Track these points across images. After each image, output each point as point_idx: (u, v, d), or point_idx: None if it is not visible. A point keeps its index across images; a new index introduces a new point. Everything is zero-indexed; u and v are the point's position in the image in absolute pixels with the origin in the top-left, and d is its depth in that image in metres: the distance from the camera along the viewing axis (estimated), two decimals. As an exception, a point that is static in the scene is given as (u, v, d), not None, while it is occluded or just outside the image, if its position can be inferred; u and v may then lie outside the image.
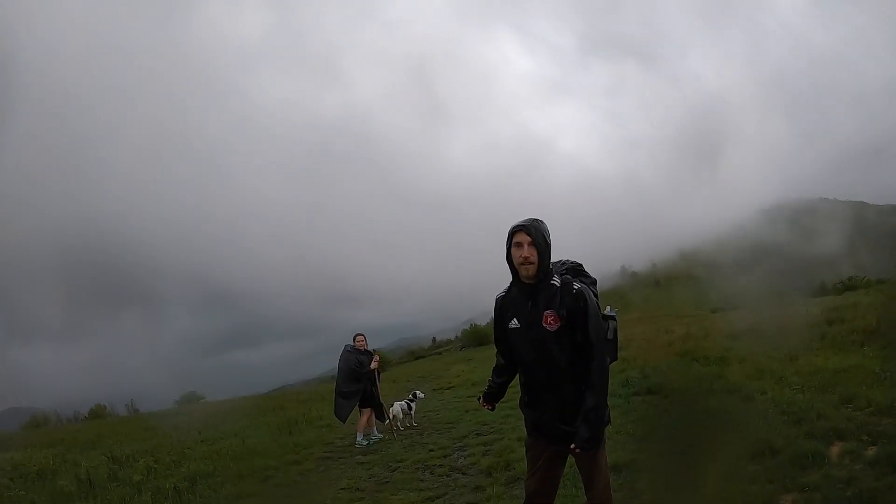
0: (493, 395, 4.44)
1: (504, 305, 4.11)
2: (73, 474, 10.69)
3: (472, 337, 46.00)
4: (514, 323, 3.97)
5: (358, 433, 10.98)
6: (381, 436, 11.16)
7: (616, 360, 4.10)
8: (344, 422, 11.15)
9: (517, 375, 4.29)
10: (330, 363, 11.73)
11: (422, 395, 12.63)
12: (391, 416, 11.34)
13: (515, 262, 3.87)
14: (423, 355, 53.09)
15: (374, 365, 11.19)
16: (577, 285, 3.88)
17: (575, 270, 4.12)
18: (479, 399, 4.57)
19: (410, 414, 11.97)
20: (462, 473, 7.62)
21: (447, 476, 7.65)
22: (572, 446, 3.76)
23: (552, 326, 3.81)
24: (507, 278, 4.02)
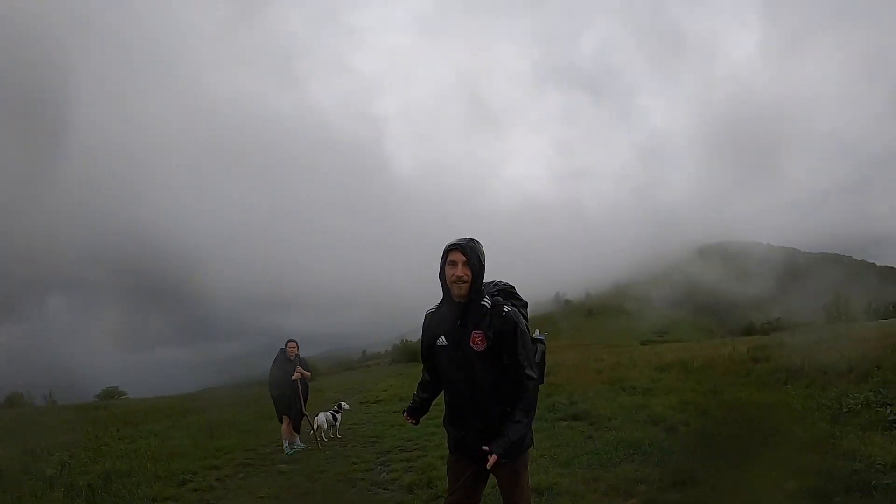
0: (417, 410, 4.41)
1: (433, 322, 4.08)
2: (-19, 465, 10.37)
3: (404, 352, 46.20)
4: (442, 340, 3.95)
5: (284, 441, 10.88)
6: (304, 445, 11.04)
7: (542, 382, 4.08)
8: (281, 423, 11.06)
9: (442, 392, 4.29)
10: (261, 367, 11.58)
11: (347, 407, 12.59)
12: (315, 427, 11.22)
13: (448, 280, 3.86)
14: (353, 367, 53.06)
15: (296, 375, 11.05)
16: (507, 308, 3.87)
17: (507, 293, 4.13)
18: (403, 412, 4.55)
19: (335, 426, 11.88)
20: (383, 489, 7.56)
21: (368, 490, 7.59)
22: (485, 448, 3.70)
23: (479, 347, 3.80)
24: (440, 296, 4.01)
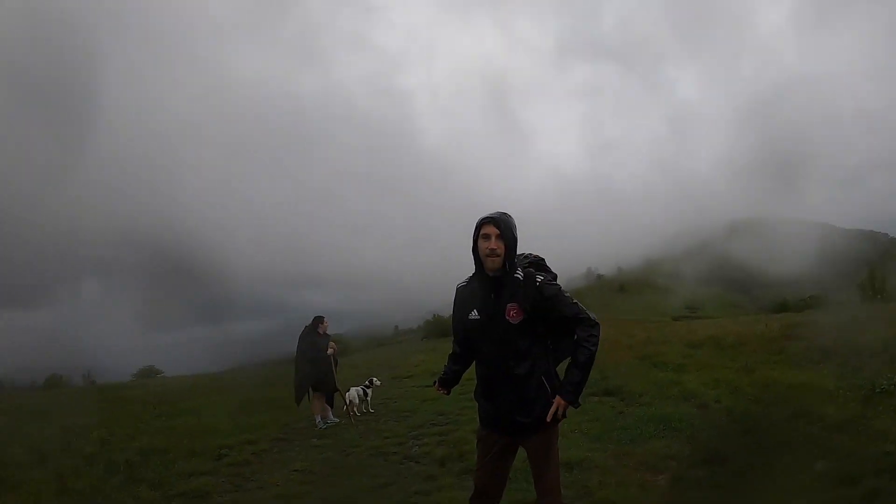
0: (448, 381, 4.44)
1: (464, 296, 4.10)
2: (24, 444, 10.59)
3: (435, 327, 46.04)
4: (475, 314, 3.96)
5: (316, 416, 11.01)
6: (336, 420, 11.16)
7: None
8: (298, 404, 11.20)
9: (472, 365, 4.30)
10: (289, 345, 11.66)
11: (378, 383, 12.62)
12: (347, 402, 11.32)
13: (481, 253, 3.86)
14: (385, 343, 53.08)
15: (330, 350, 11.17)
16: (539, 277, 3.88)
17: (537, 265, 4.12)
18: (434, 383, 4.57)
19: (367, 400, 12.00)
20: (415, 462, 7.63)
21: (400, 464, 7.66)
22: (557, 398, 3.78)
23: (514, 319, 3.81)
24: (471, 270, 4.03)
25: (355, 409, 11.50)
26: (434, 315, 49.89)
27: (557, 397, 3.80)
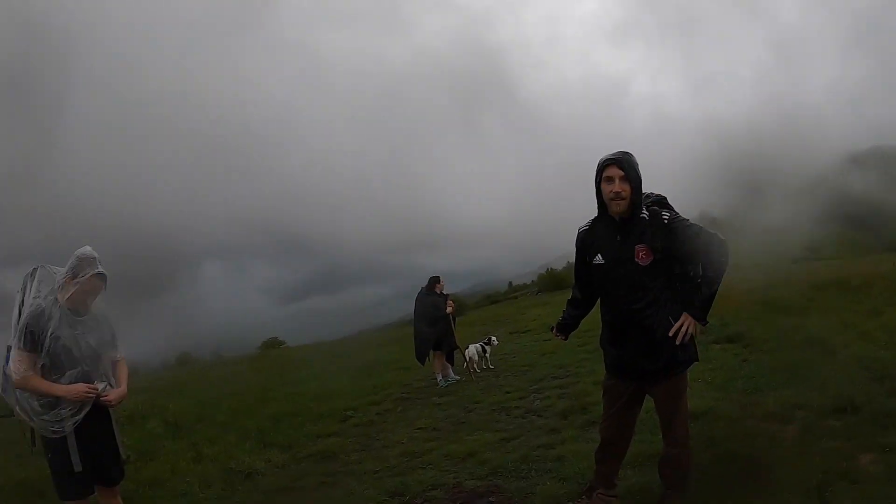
0: (566, 327, 4.37)
1: (588, 240, 3.96)
2: (161, 417, 11.16)
3: (549, 281, 45.93)
4: (599, 259, 3.86)
5: (437, 374, 11.19)
6: (457, 378, 11.28)
7: None
8: (423, 364, 11.36)
9: (589, 311, 4.26)
10: (406, 308, 11.86)
11: (496, 342, 12.62)
12: (467, 359, 11.45)
13: (605, 196, 3.74)
14: (499, 300, 53.02)
15: (449, 309, 11.30)
16: (665, 215, 3.75)
17: (661, 203, 3.95)
18: (552, 329, 4.52)
19: (485, 357, 12.07)
20: (537, 415, 7.60)
21: (522, 418, 7.66)
22: (684, 315, 3.67)
23: (644, 261, 3.71)
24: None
25: (475, 365, 11.59)
26: (548, 269, 49.71)
27: (684, 314, 3.68)
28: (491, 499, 4.95)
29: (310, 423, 8.90)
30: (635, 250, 3.72)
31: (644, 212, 3.77)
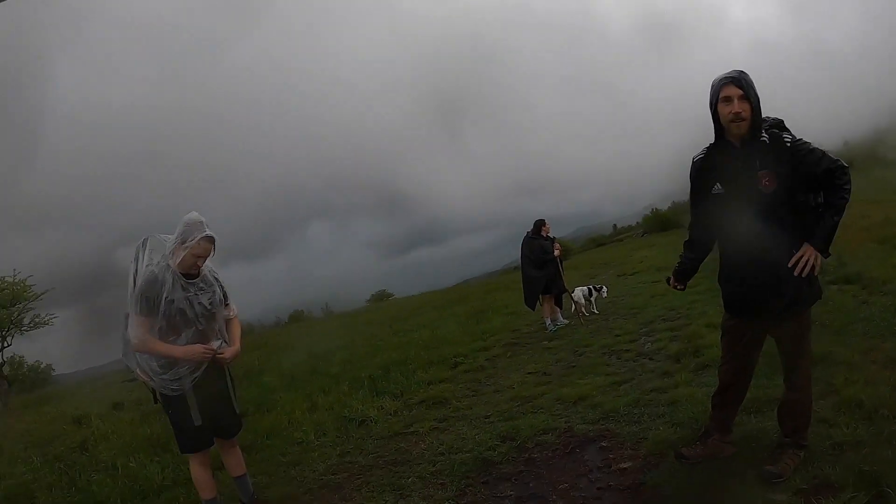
0: (685, 273, 4.05)
1: (704, 169, 3.68)
2: (276, 371, 11.46)
3: (655, 222, 45.10)
4: (718, 188, 3.58)
5: (546, 319, 11.05)
6: (566, 321, 11.15)
7: None
8: (532, 308, 11.23)
9: (709, 253, 3.97)
10: (511, 254, 11.81)
11: (605, 293, 12.38)
12: (574, 302, 11.29)
13: (724, 119, 3.44)
14: (604, 242, 52.50)
15: (556, 252, 11.10)
16: (787, 137, 3.44)
17: (779, 126, 3.61)
18: (667, 280, 4.24)
19: (591, 301, 11.88)
20: (649, 359, 7.41)
21: (633, 361, 7.47)
22: (805, 246, 3.42)
23: (768, 188, 3.41)
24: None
25: (583, 308, 11.44)
26: (653, 209, 48.66)
27: (806, 245, 3.43)
28: (603, 443, 4.84)
29: (420, 371, 8.94)
30: (758, 177, 3.43)
31: (763, 135, 3.47)
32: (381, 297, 47.09)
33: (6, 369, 24.27)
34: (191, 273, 4.18)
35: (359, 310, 33.55)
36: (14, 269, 23.90)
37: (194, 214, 4.13)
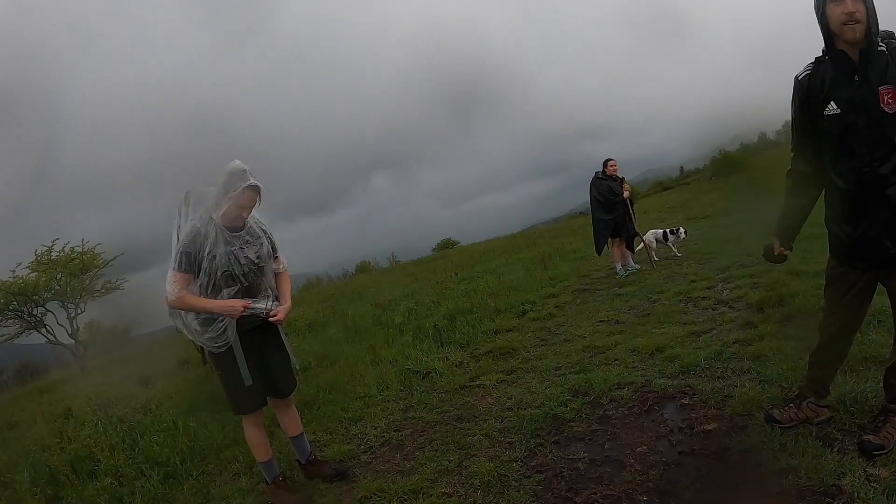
0: (790, 229, 3.44)
1: (814, 86, 3.05)
2: (340, 323, 11.35)
3: (723, 165, 43.95)
4: (833, 108, 2.96)
5: (616, 263, 10.67)
6: (638, 266, 10.77)
7: None
8: (600, 253, 10.88)
9: (819, 196, 3.30)
10: (578, 199, 11.37)
11: (684, 235, 11.66)
12: (646, 246, 10.82)
13: (835, 22, 2.83)
14: (672, 186, 51.44)
15: (626, 193, 10.57)
16: None
17: (892, 37, 2.95)
18: (766, 252, 3.57)
19: (666, 244, 11.43)
20: (728, 307, 6.95)
21: (712, 309, 7.03)
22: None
23: (891, 107, 2.81)
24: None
25: (654, 253, 11.01)
26: (720, 151, 47.26)
27: None
28: (683, 401, 4.47)
29: (487, 320, 8.71)
30: (879, 93, 2.84)
31: (881, 44, 2.88)
32: (446, 245, 46.94)
33: (83, 334, 24.87)
34: (236, 225, 3.98)
35: (425, 258, 33.48)
36: (83, 239, 24.31)
37: (237, 163, 3.91)
